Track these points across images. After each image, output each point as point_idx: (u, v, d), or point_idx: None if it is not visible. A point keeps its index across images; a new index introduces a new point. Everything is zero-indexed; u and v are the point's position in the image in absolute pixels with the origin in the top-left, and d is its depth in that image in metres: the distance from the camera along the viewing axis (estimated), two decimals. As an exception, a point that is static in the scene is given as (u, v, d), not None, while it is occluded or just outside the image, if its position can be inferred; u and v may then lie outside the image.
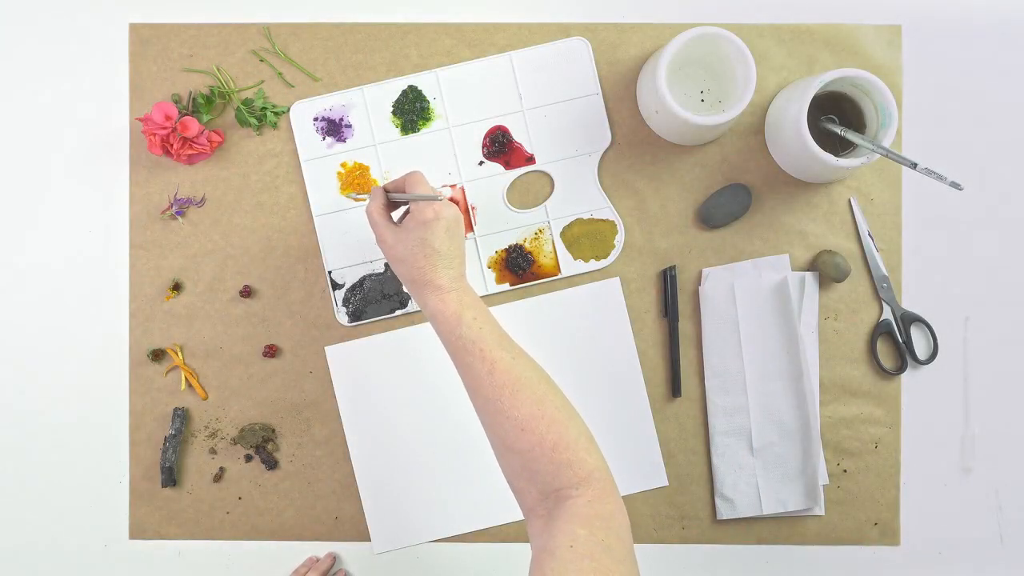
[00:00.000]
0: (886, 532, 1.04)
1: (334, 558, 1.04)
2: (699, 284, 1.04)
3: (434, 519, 1.04)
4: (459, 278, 0.91)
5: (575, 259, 1.04)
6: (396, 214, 0.97)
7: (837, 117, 0.99)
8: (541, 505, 0.83)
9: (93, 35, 1.05)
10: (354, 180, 1.04)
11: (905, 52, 1.04)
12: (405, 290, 1.04)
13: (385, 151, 1.04)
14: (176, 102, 1.04)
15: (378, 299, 1.04)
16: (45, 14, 1.05)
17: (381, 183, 1.04)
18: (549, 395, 0.87)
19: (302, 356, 1.05)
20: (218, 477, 1.05)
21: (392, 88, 1.04)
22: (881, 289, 1.04)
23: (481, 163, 1.04)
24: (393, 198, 0.93)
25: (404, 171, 1.04)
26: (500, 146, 1.04)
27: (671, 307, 1.03)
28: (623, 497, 1.03)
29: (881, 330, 1.04)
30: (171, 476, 1.03)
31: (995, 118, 1.05)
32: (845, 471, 1.04)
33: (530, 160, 1.04)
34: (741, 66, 0.95)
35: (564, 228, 1.04)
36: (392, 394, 1.04)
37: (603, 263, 1.04)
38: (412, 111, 1.04)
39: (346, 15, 1.05)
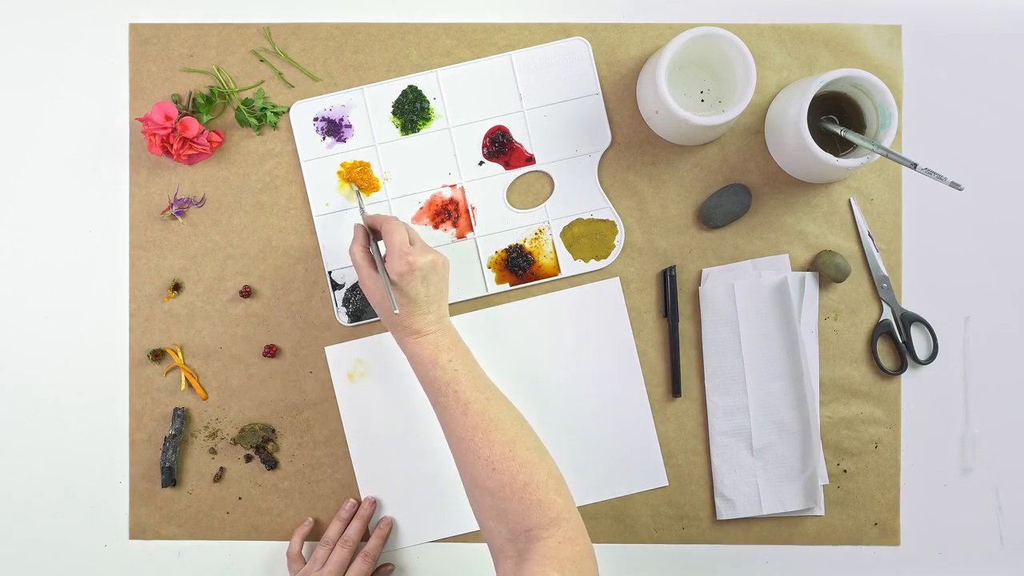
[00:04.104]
0: (886, 532, 1.04)
1: (374, 503, 1.04)
2: (699, 284, 1.04)
3: (434, 519, 1.04)
4: (437, 321, 0.93)
5: (575, 259, 1.04)
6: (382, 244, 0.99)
7: (837, 117, 0.99)
8: (511, 546, 0.85)
9: (93, 35, 1.05)
10: (355, 176, 1.04)
11: (905, 52, 1.04)
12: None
13: (385, 151, 1.04)
14: (176, 102, 1.04)
15: (378, 299, 1.04)
16: (45, 14, 1.05)
17: (384, 181, 1.04)
18: (521, 436, 0.89)
19: (302, 356, 1.05)
20: (218, 477, 1.05)
21: (392, 88, 1.04)
22: (881, 289, 1.04)
23: (481, 163, 1.04)
24: (375, 257, 0.94)
25: (404, 173, 1.04)
26: (500, 146, 1.04)
27: (671, 307, 1.03)
28: (622, 497, 1.04)
29: (881, 330, 1.04)
30: (171, 476, 1.03)
31: (995, 118, 1.05)
32: (845, 471, 1.04)
33: (530, 160, 1.04)
34: (741, 66, 0.95)
35: (564, 228, 1.04)
36: (392, 394, 1.04)
37: (603, 263, 1.04)
38: (412, 111, 1.04)
39: (346, 15, 1.05)
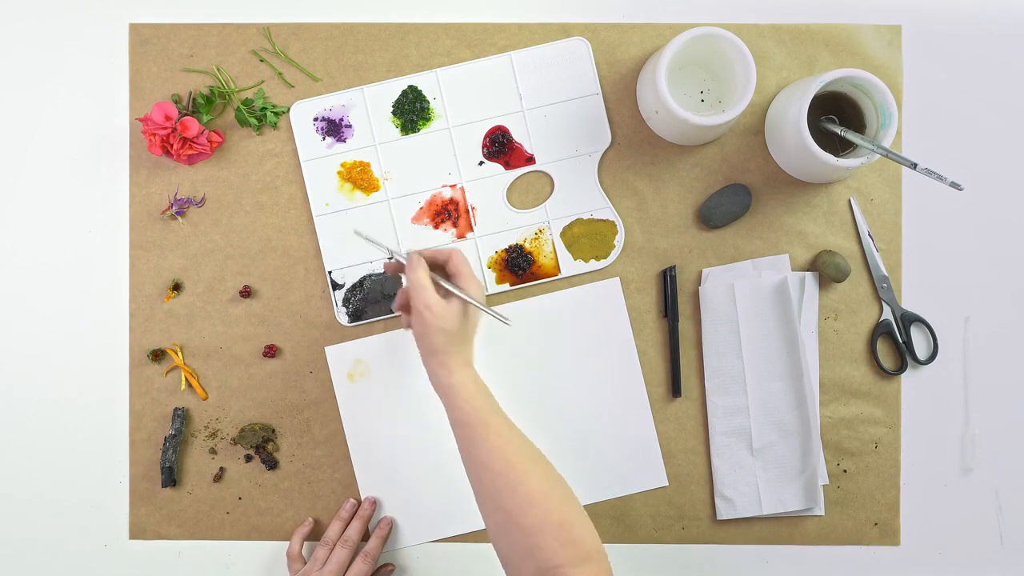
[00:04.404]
0: (886, 532, 1.04)
1: (374, 503, 1.04)
2: (699, 284, 1.04)
3: (434, 519, 1.04)
4: (473, 356, 0.94)
5: (575, 259, 1.04)
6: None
7: (837, 117, 0.99)
8: None
9: (93, 35, 1.05)
10: (355, 176, 1.04)
11: (905, 52, 1.04)
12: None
13: (385, 151, 1.04)
14: (176, 102, 1.04)
15: (378, 299, 1.04)
16: (45, 14, 1.05)
17: (384, 181, 1.04)
18: (553, 475, 0.89)
19: (302, 356, 1.05)
20: (218, 477, 1.05)
21: (392, 88, 1.04)
22: (881, 289, 1.04)
23: (481, 163, 1.04)
24: (447, 286, 0.92)
25: (404, 173, 1.04)
26: (500, 146, 1.04)
27: (671, 307, 1.03)
28: (622, 497, 1.04)
29: (881, 330, 1.04)
30: (171, 476, 1.03)
31: (995, 118, 1.05)
32: (845, 471, 1.04)
33: (530, 160, 1.04)
34: (741, 66, 0.95)
35: (564, 228, 1.04)
36: (392, 394, 1.04)
37: (603, 263, 1.04)
38: (412, 111, 1.04)
39: (346, 15, 1.05)
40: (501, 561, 0.88)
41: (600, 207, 1.04)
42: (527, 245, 1.04)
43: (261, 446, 1.04)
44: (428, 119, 1.04)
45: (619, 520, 1.04)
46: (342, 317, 1.04)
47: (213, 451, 1.05)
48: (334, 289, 1.05)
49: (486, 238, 1.04)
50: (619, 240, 1.04)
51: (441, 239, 1.04)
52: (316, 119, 1.04)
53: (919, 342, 1.05)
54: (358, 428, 1.04)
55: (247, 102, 1.04)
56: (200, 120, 1.03)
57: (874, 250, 1.04)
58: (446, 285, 0.91)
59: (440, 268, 0.94)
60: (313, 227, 1.05)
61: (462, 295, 0.91)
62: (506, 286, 1.04)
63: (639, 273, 1.04)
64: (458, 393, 0.90)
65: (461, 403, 0.90)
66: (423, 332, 0.91)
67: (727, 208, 1.03)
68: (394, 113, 1.04)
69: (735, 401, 1.03)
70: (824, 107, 0.99)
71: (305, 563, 1.01)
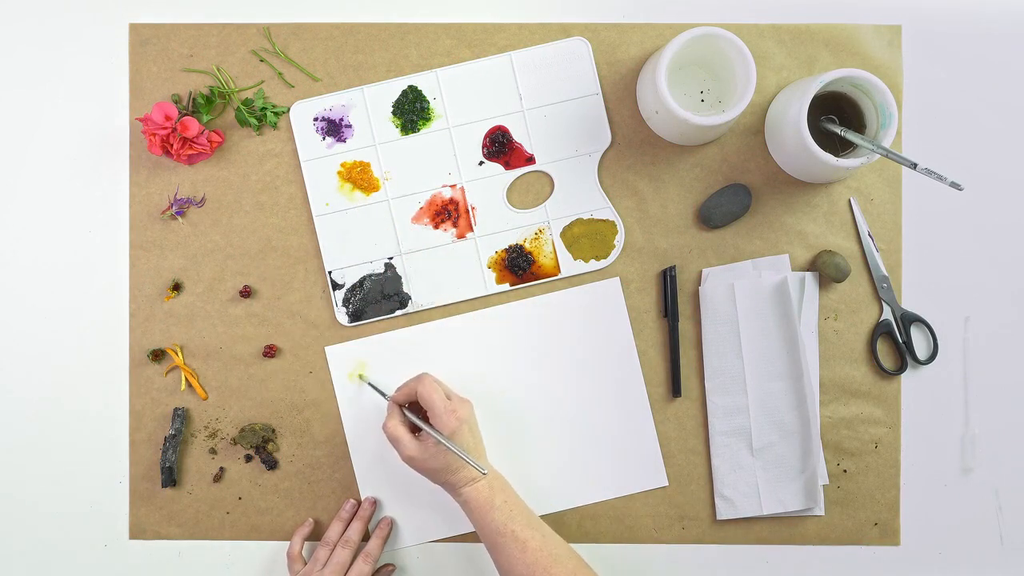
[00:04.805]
0: (886, 532, 1.04)
1: (374, 503, 1.04)
2: (699, 284, 1.04)
3: (435, 519, 1.04)
4: (485, 463, 0.96)
5: (575, 259, 1.04)
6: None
7: (837, 117, 0.99)
8: None
9: (93, 35, 1.05)
10: (355, 176, 1.04)
11: (905, 52, 1.04)
12: (408, 291, 1.04)
13: (385, 151, 1.04)
14: (176, 102, 1.04)
15: (378, 299, 1.04)
16: (45, 14, 1.05)
17: (384, 181, 1.04)
18: (580, 569, 0.91)
19: (302, 356, 1.05)
20: (218, 477, 1.05)
21: (392, 88, 1.04)
22: (881, 289, 1.04)
23: (481, 163, 1.04)
24: (421, 426, 0.96)
25: (404, 172, 1.04)
26: (500, 146, 1.04)
27: (671, 307, 1.03)
28: (622, 497, 1.04)
29: (881, 330, 1.04)
30: (171, 476, 1.03)
31: (995, 118, 1.05)
32: (845, 471, 1.04)
33: (530, 160, 1.04)
34: (741, 66, 0.95)
35: (564, 228, 1.04)
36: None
37: (603, 263, 1.04)
38: (412, 111, 1.04)
39: (346, 15, 1.05)
40: None
41: (600, 207, 1.04)
42: (527, 245, 1.04)
43: (261, 446, 1.04)
44: (428, 119, 1.04)
45: (619, 520, 1.04)
46: (342, 317, 1.04)
47: (213, 451, 1.05)
48: (334, 289, 1.05)
49: (486, 238, 1.04)
50: (619, 240, 1.04)
51: (441, 239, 1.04)
52: (316, 119, 1.04)
53: (919, 342, 1.05)
54: (358, 428, 1.04)
55: (247, 102, 1.04)
56: (200, 120, 1.03)
57: (874, 250, 1.04)
58: (422, 426, 0.95)
59: (412, 398, 0.98)
60: (313, 227, 1.05)
61: (437, 437, 0.93)
62: (506, 286, 1.04)
63: (639, 273, 1.04)
64: (472, 509, 0.94)
65: (477, 519, 0.94)
66: (421, 473, 0.96)
67: (727, 208, 1.03)
68: (394, 113, 1.04)
69: (735, 401, 1.03)
70: (824, 107, 0.99)
71: (305, 563, 1.02)
